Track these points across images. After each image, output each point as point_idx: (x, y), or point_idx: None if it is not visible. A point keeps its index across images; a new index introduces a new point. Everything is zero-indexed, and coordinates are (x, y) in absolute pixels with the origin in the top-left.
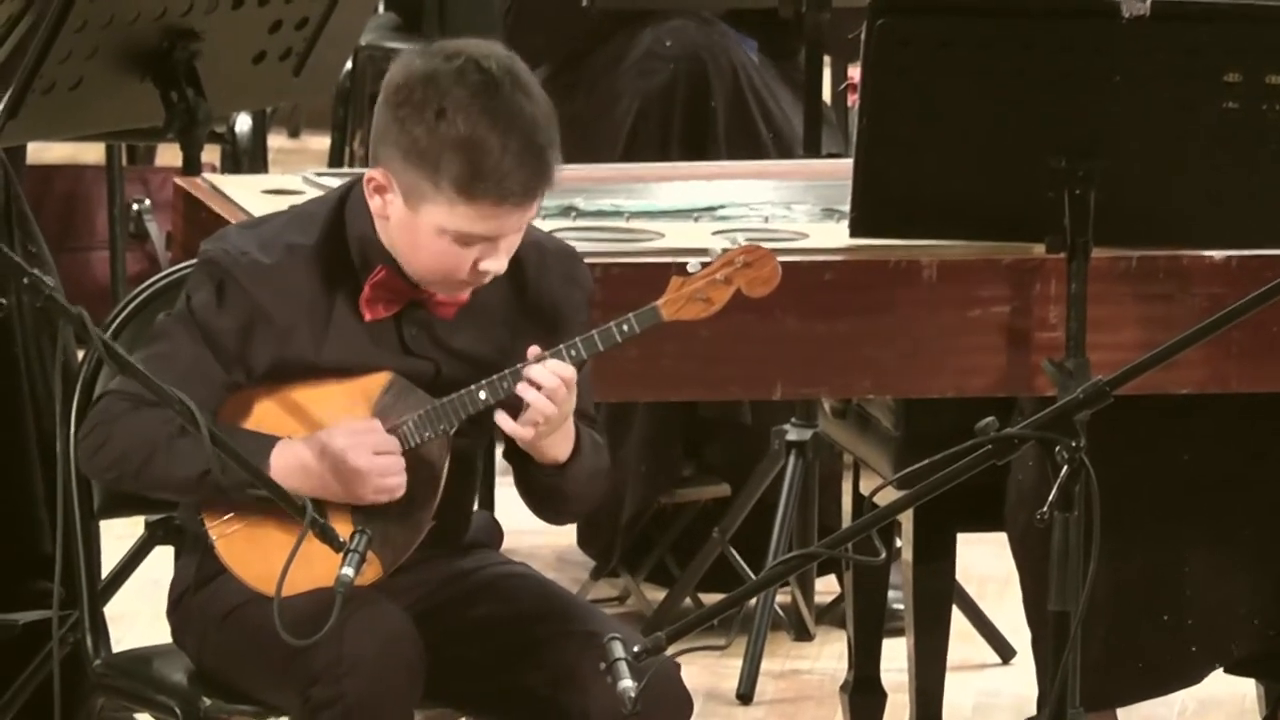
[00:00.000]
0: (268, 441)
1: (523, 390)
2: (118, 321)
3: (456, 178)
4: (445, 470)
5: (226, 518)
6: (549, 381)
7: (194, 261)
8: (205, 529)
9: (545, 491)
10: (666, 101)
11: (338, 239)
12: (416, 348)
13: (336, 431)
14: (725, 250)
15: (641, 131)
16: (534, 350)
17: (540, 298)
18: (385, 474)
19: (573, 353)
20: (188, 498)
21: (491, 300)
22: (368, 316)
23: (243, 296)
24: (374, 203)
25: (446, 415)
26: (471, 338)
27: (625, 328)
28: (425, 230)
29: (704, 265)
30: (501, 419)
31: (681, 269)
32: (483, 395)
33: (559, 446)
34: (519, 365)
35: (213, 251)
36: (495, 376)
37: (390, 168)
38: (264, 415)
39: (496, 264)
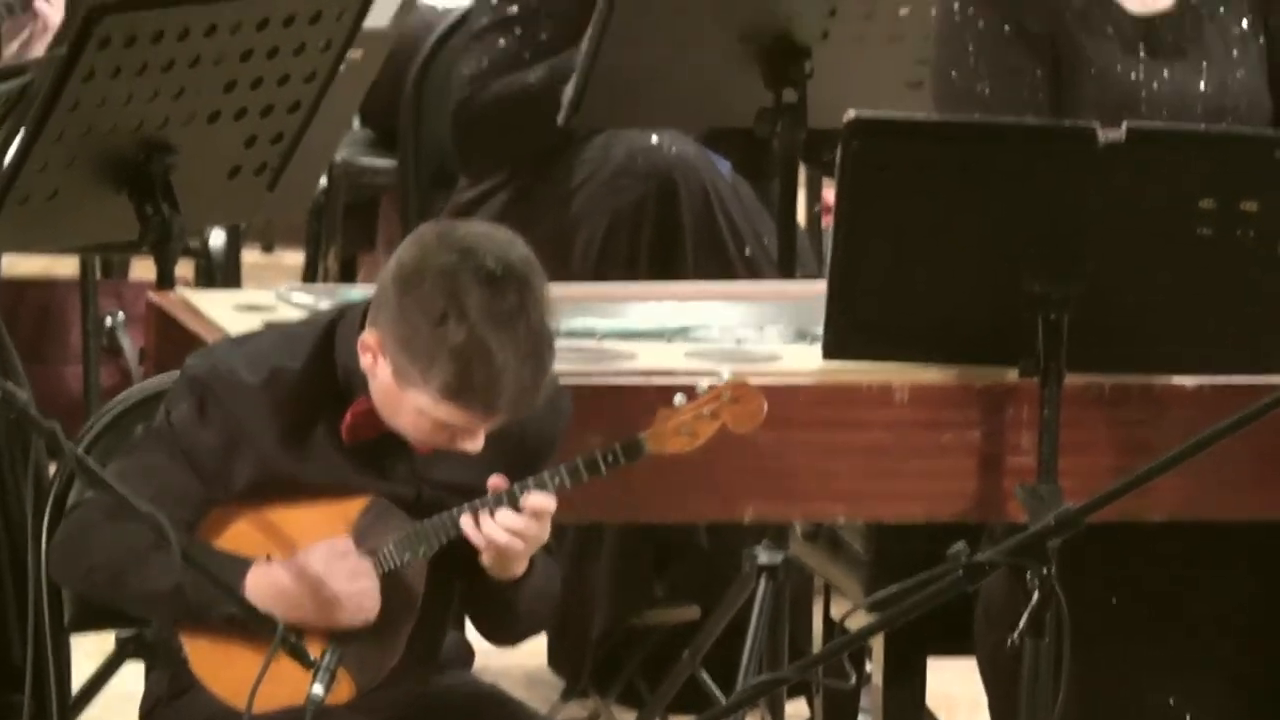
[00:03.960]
0: (242, 564)
1: (490, 530)
2: (90, 435)
3: (446, 384)
4: (421, 594)
5: (200, 630)
6: (517, 525)
7: (168, 375)
8: (179, 640)
9: (495, 607)
10: (636, 219)
11: (325, 364)
12: (396, 475)
13: (312, 556)
14: (712, 385)
15: (611, 249)
16: (494, 481)
17: (525, 426)
18: (361, 598)
19: (556, 480)
20: (159, 613)
21: None
22: (347, 440)
23: (225, 414)
24: (364, 359)
25: (426, 538)
26: (450, 468)
27: (610, 458)
28: (407, 407)
29: (690, 398)
30: (467, 526)
31: (660, 393)
32: (464, 520)
33: (519, 563)
34: (502, 491)
35: (198, 368)
36: (478, 501)
37: (385, 340)
38: (242, 534)
39: (472, 446)
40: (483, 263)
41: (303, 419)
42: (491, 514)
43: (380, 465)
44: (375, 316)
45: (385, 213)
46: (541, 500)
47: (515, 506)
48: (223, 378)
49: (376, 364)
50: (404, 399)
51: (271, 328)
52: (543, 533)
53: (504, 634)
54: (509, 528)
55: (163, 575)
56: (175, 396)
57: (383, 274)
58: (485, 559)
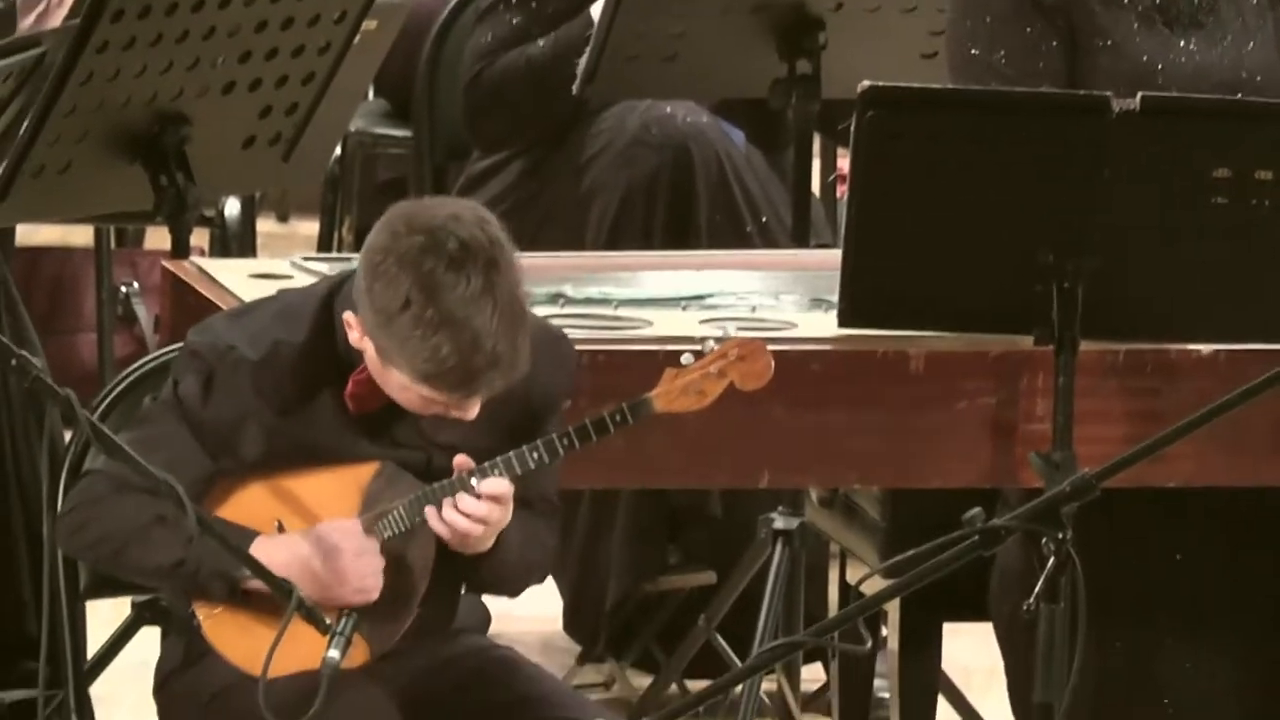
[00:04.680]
0: (249, 535)
1: (452, 517)
2: (105, 404)
3: (417, 367)
4: (433, 557)
5: (211, 600)
6: (479, 511)
7: (181, 345)
8: (192, 609)
9: (465, 575)
10: (651, 190)
11: (325, 336)
12: (405, 440)
13: (319, 530)
14: (719, 343)
15: (626, 219)
16: (460, 460)
17: (531, 383)
18: (364, 576)
19: (565, 441)
20: (160, 586)
21: None
22: (353, 410)
23: (229, 391)
24: (351, 336)
25: (436, 501)
26: (457, 430)
27: (618, 418)
28: (392, 383)
29: (697, 357)
30: (430, 516)
31: (674, 360)
32: (474, 481)
33: (480, 542)
34: (510, 453)
35: (199, 344)
36: (486, 464)
37: (363, 320)
38: (254, 500)
39: (464, 415)
40: (445, 246)
41: (306, 390)
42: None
43: (388, 431)
44: (356, 297)
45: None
46: (496, 486)
47: (544, 460)
48: (224, 356)
49: (361, 340)
50: (388, 375)
51: (270, 300)
52: (504, 516)
53: (482, 593)
54: (466, 512)
55: (165, 549)
56: (180, 370)
57: (360, 257)
58: (445, 537)
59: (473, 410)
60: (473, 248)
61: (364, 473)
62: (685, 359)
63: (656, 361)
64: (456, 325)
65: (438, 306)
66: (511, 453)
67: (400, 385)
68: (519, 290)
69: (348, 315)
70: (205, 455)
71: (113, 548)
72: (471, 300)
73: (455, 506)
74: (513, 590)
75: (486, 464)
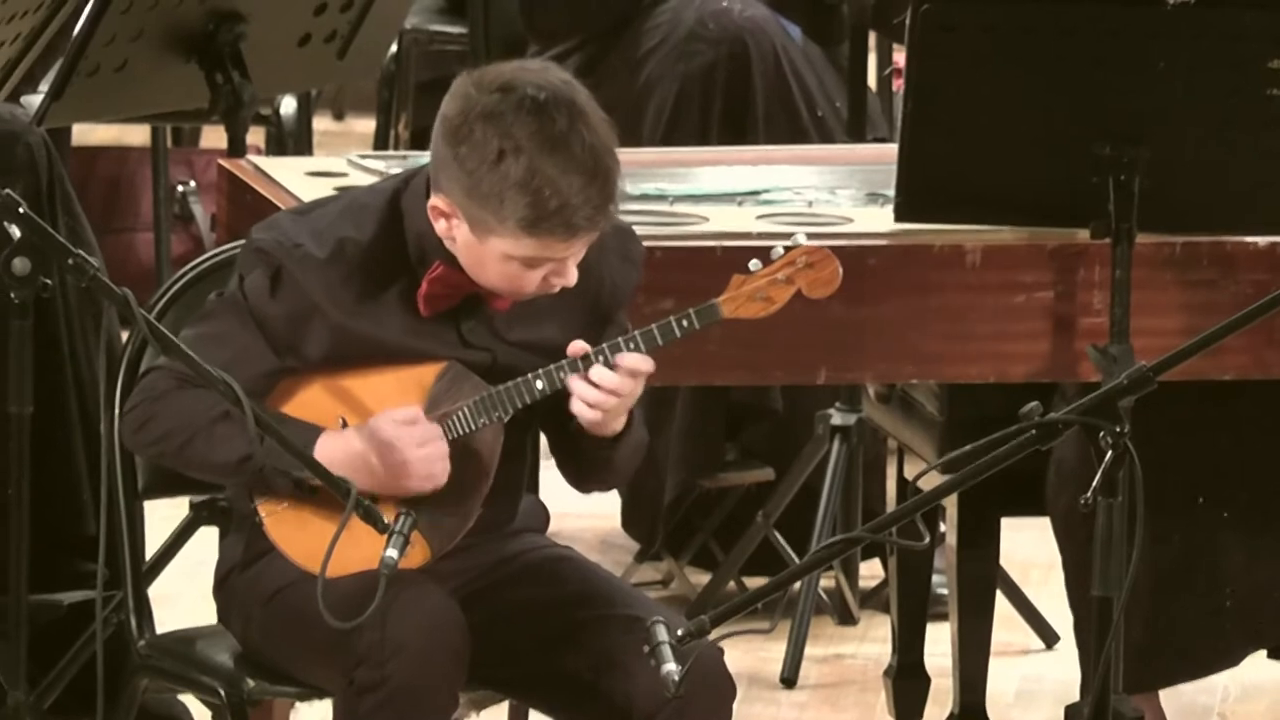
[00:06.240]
0: (313, 430)
1: (580, 388)
2: (162, 303)
3: (521, 218)
4: (497, 458)
5: (275, 496)
6: (614, 383)
7: (240, 243)
8: (254, 506)
9: (593, 463)
10: (707, 84)
11: (394, 234)
12: (473, 339)
13: (380, 422)
14: (787, 249)
15: (682, 114)
16: (576, 346)
17: (601, 278)
18: (430, 463)
19: (631, 347)
20: (226, 482)
21: None
22: (425, 311)
23: (296, 288)
24: (439, 225)
25: (501, 403)
26: (528, 328)
27: (685, 323)
28: (492, 255)
29: (765, 263)
30: (576, 407)
31: (730, 256)
32: (539, 385)
33: (617, 420)
34: (578, 358)
35: (265, 241)
36: (552, 366)
37: (453, 198)
38: (317, 399)
39: (565, 280)
40: (524, 94)
41: (373, 289)
42: (583, 375)
43: (455, 331)
44: (437, 179)
45: None
46: (637, 361)
47: (608, 367)
48: (290, 253)
49: (451, 226)
50: (486, 250)
51: (334, 199)
52: (637, 390)
53: (599, 486)
54: (607, 386)
55: (231, 445)
56: (245, 266)
57: (434, 137)
58: (587, 419)
59: (571, 274)
60: (549, 89)
61: (428, 373)
62: (753, 265)
63: (713, 257)
64: (551, 168)
65: (530, 153)
66: (579, 358)
67: (501, 256)
68: (602, 123)
69: (434, 200)
70: (271, 351)
71: (178, 443)
72: (561, 140)
73: (593, 378)
74: (626, 475)
75: (553, 366)
